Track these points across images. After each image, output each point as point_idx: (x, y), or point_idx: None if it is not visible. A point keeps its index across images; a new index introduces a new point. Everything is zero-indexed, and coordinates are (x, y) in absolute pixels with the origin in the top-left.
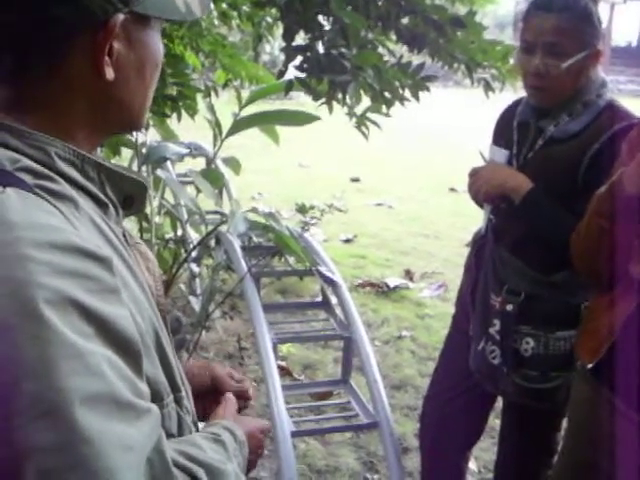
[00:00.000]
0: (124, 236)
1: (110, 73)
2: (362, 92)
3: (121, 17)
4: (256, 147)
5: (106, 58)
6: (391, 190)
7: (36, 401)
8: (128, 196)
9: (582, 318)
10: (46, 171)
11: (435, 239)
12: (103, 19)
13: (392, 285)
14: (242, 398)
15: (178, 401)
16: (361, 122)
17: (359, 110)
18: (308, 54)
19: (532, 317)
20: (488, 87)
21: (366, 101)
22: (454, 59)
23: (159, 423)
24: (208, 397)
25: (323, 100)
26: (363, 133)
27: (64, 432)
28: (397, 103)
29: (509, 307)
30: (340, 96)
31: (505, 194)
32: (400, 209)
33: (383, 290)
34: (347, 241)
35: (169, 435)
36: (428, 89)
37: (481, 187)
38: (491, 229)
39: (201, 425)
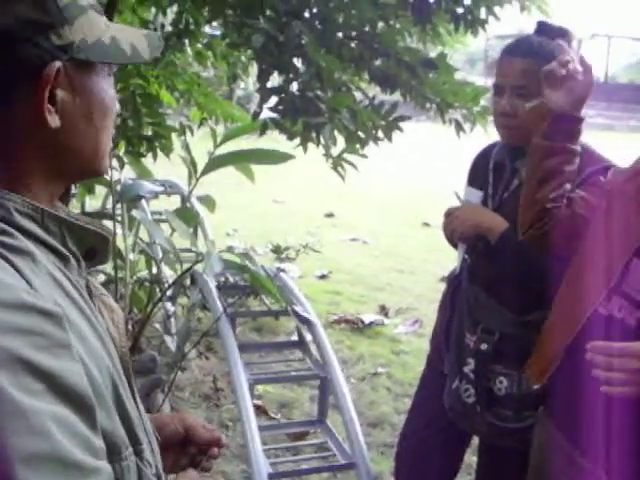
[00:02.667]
0: (87, 287)
1: (55, 121)
2: (337, 133)
3: (57, 65)
4: (231, 183)
5: (48, 106)
6: (365, 225)
7: None
8: (90, 248)
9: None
10: (3, 226)
11: (410, 274)
12: (40, 67)
13: (367, 321)
14: (215, 446)
15: (138, 454)
16: (337, 163)
17: (335, 150)
18: (282, 95)
19: (506, 356)
20: (459, 127)
21: (341, 141)
22: (426, 99)
23: None
24: (178, 448)
25: (298, 141)
26: (340, 174)
27: None
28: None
29: (483, 346)
30: (314, 136)
31: (480, 234)
32: (374, 244)
33: (358, 326)
34: (322, 277)
35: None
36: (401, 129)
37: (457, 227)
38: (466, 269)
39: (171, 477)
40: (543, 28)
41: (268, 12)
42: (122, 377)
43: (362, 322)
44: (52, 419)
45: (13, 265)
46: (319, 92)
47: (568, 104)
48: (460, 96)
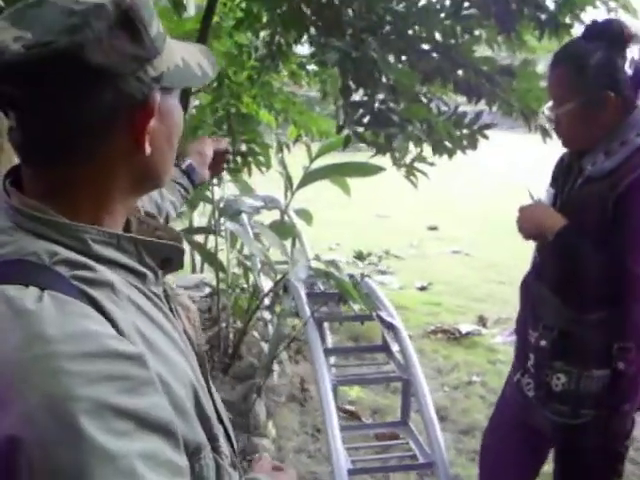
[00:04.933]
0: (165, 292)
1: (148, 148)
2: (417, 141)
3: (158, 97)
4: (336, 198)
5: (146, 134)
6: (468, 237)
7: None
8: (167, 258)
9: (614, 359)
10: (82, 259)
11: (510, 285)
12: (141, 100)
13: (464, 331)
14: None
15: (215, 449)
16: (410, 172)
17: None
18: (362, 110)
19: (565, 354)
20: (545, 133)
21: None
22: (511, 107)
23: None
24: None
25: (377, 152)
26: (412, 182)
27: None
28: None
29: (543, 342)
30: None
31: (543, 232)
32: (476, 256)
33: (455, 336)
34: (422, 288)
35: None
36: (486, 137)
37: (522, 225)
38: (534, 267)
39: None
40: (590, 30)
41: (348, 29)
42: (200, 378)
43: (459, 332)
44: (139, 457)
45: (94, 302)
46: (392, 104)
47: None
48: (544, 102)
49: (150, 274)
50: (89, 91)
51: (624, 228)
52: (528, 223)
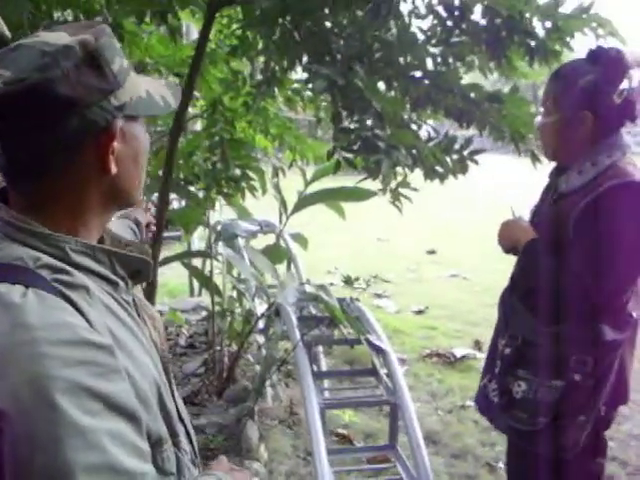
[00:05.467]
0: (134, 301)
1: (113, 168)
2: (406, 167)
3: (119, 123)
4: (335, 222)
5: (110, 156)
6: (467, 261)
7: (46, 469)
8: (136, 270)
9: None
10: (61, 265)
11: None
12: (105, 125)
13: (459, 355)
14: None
15: (176, 444)
16: (396, 197)
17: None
18: (352, 136)
19: (527, 362)
20: (534, 158)
21: (416, 175)
22: (501, 132)
23: None
24: None
25: (367, 177)
26: (397, 207)
27: None
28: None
29: (507, 350)
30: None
31: (516, 246)
32: (475, 280)
33: (450, 360)
34: (419, 312)
35: (169, 474)
36: (476, 162)
37: (499, 240)
38: (510, 278)
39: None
40: (591, 54)
41: (338, 56)
42: (163, 378)
43: (454, 356)
44: (106, 434)
45: (71, 301)
46: (378, 131)
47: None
48: (533, 127)
49: (121, 283)
50: (59, 118)
51: (580, 246)
52: (504, 238)
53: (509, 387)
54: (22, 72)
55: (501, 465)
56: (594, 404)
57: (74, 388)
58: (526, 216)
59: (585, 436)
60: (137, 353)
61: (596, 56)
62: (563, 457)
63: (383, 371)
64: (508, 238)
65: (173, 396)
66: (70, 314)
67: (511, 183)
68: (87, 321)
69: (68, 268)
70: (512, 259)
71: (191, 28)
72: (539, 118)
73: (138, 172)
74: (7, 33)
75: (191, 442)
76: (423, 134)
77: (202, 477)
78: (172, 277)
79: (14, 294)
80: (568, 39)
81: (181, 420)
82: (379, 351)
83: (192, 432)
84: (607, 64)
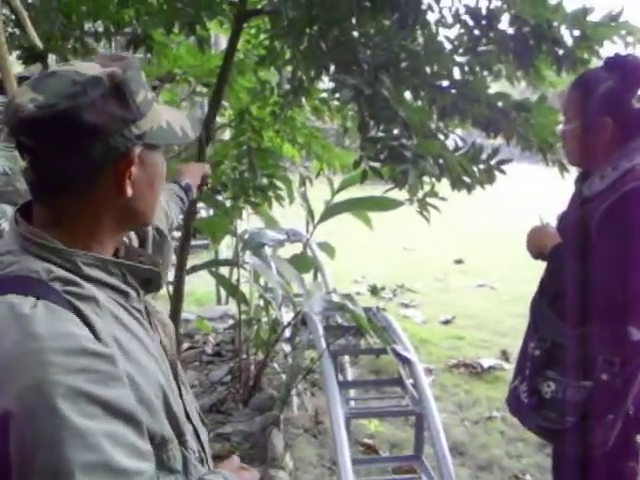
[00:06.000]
0: (146, 309)
1: (129, 191)
2: (433, 176)
3: (138, 150)
4: (363, 232)
5: (127, 180)
6: (495, 271)
7: (47, 466)
8: (147, 279)
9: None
10: (72, 277)
11: None
12: (124, 152)
13: (486, 365)
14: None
15: (183, 444)
16: (423, 207)
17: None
18: (379, 145)
19: (556, 363)
20: (562, 167)
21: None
22: (529, 142)
23: None
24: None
25: (394, 186)
26: (425, 217)
27: None
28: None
29: (537, 352)
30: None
31: (543, 251)
32: (502, 290)
33: (477, 371)
34: (446, 322)
35: (175, 472)
36: (504, 172)
37: (528, 246)
38: (540, 283)
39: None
40: (608, 62)
41: (364, 66)
42: (171, 383)
43: (481, 366)
44: (104, 436)
45: (79, 312)
46: (405, 140)
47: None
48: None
49: (132, 292)
50: (83, 143)
51: (603, 248)
52: (532, 244)
53: (539, 387)
54: (53, 98)
55: (528, 477)
56: (622, 404)
57: (74, 393)
58: (553, 223)
59: (615, 437)
60: (143, 360)
61: (613, 63)
62: (591, 456)
63: (409, 381)
64: (536, 244)
65: (181, 398)
66: (75, 325)
67: (539, 192)
68: (93, 331)
69: (79, 280)
70: (540, 268)
71: (219, 38)
72: (561, 126)
73: (153, 195)
74: (39, 44)
75: (200, 441)
76: (450, 144)
77: (208, 475)
78: (200, 285)
79: (25, 305)
80: (597, 47)
81: (189, 420)
82: (405, 361)
83: (202, 431)
84: (624, 71)
